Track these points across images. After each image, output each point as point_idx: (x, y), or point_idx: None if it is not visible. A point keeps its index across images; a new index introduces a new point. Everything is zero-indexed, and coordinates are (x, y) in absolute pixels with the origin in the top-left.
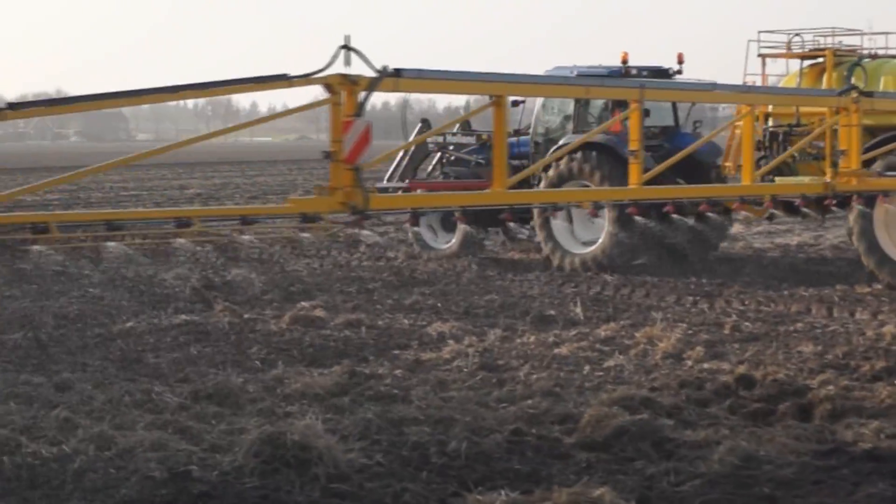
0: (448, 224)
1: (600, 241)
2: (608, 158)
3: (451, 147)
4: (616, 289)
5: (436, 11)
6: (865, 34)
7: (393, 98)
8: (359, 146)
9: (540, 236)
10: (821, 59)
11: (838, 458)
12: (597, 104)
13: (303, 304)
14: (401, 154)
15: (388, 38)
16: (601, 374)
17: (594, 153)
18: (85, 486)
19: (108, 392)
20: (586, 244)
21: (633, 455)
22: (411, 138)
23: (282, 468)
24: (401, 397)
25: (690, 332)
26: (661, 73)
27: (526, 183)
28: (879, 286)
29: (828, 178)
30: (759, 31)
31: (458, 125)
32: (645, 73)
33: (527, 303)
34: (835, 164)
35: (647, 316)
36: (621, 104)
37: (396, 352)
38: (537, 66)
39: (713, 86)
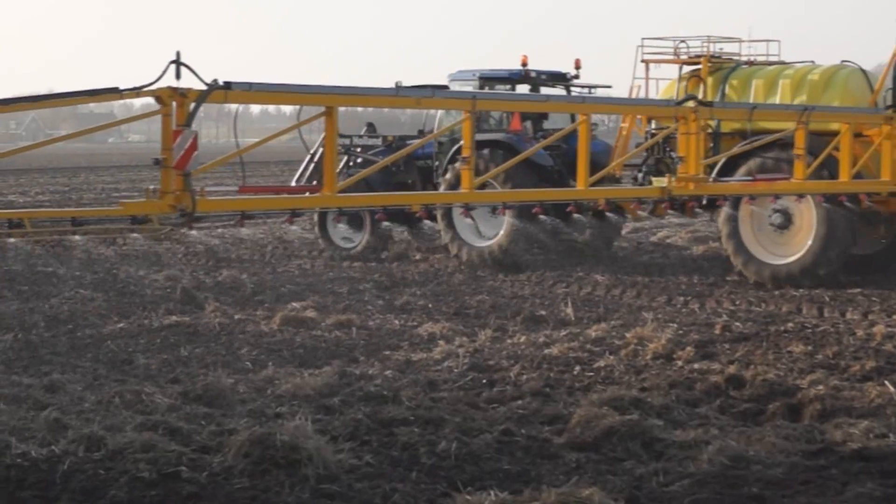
0: (356, 223)
1: (499, 235)
2: (508, 155)
3: (358, 149)
4: (607, 289)
5: (340, 30)
6: (744, 41)
7: None
8: (187, 154)
9: (441, 228)
10: (698, 66)
11: (827, 457)
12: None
13: (294, 304)
14: (308, 157)
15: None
16: (591, 374)
17: (494, 152)
18: (74, 488)
19: (99, 393)
20: (487, 238)
21: (623, 455)
22: (318, 143)
23: (271, 469)
24: (391, 398)
25: (681, 332)
26: (559, 76)
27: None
28: (870, 287)
29: (665, 184)
30: (643, 38)
31: (364, 128)
32: (544, 76)
33: (518, 303)
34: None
35: (638, 316)
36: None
37: (387, 352)
38: (450, 68)
39: (546, 97)
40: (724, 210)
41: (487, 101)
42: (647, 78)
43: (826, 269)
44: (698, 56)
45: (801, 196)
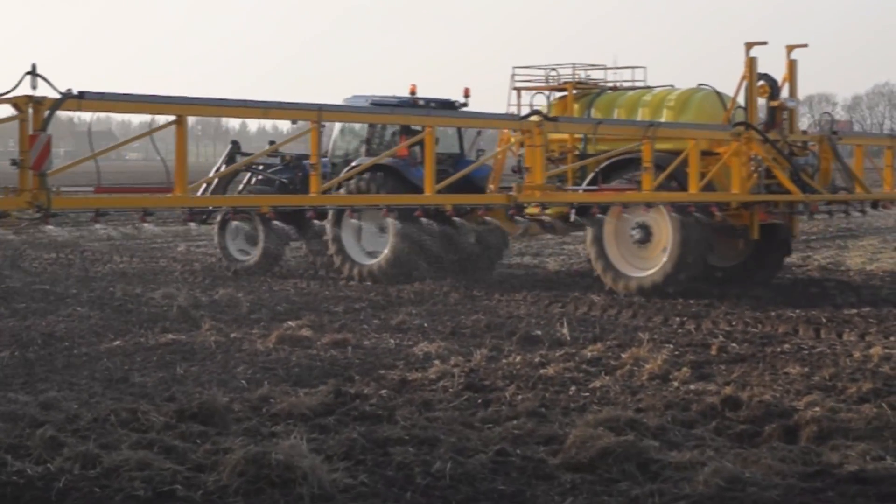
0: (251, 239)
1: (384, 253)
2: (393, 179)
3: (259, 167)
4: (603, 309)
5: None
6: (609, 68)
7: None
8: (42, 156)
9: (331, 246)
10: (565, 93)
11: (824, 480)
12: (387, 131)
13: (289, 323)
14: (212, 172)
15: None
16: (587, 394)
17: (380, 174)
18: None
19: (94, 411)
20: (372, 255)
21: (618, 476)
22: (222, 159)
23: (266, 488)
24: (386, 417)
25: (677, 352)
26: (448, 104)
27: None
28: (867, 308)
29: (514, 192)
30: (514, 67)
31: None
32: (433, 104)
33: (513, 323)
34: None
35: (634, 336)
36: (408, 131)
37: (382, 372)
38: (345, 93)
39: (390, 111)
40: (589, 233)
41: (333, 112)
42: (518, 105)
43: (685, 276)
44: (565, 83)
45: (649, 206)
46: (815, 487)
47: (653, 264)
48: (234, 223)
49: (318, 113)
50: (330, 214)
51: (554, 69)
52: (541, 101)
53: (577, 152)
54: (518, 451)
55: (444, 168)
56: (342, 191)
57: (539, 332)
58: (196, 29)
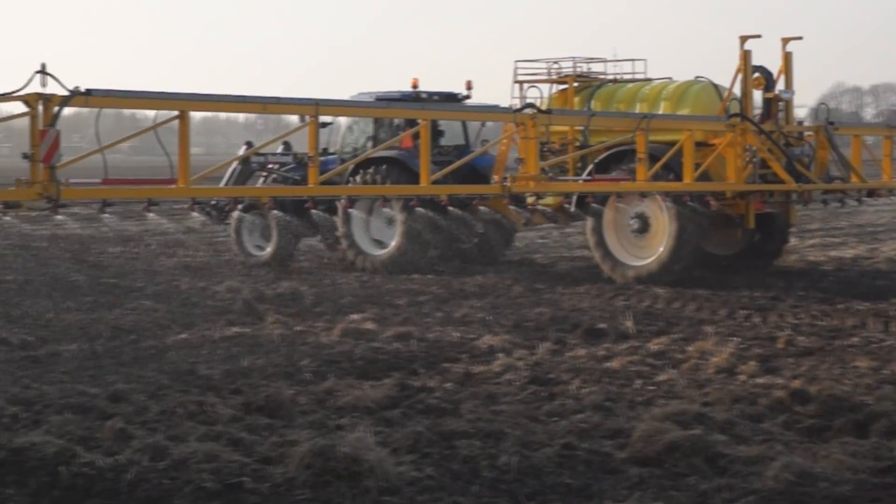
0: (266, 234)
1: (392, 244)
2: (398, 170)
3: (272, 166)
4: (667, 302)
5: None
6: (609, 61)
7: None
8: (52, 150)
9: (342, 240)
10: (565, 85)
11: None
12: (393, 125)
13: (353, 316)
14: (228, 172)
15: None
16: (653, 388)
17: (385, 166)
18: (139, 497)
19: (162, 403)
20: (382, 246)
21: (686, 471)
22: (237, 160)
23: (333, 481)
24: (451, 410)
25: (743, 346)
26: (450, 97)
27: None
28: None
29: (507, 182)
30: (516, 60)
31: (280, 146)
32: (436, 97)
33: (577, 316)
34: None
35: (699, 330)
36: (412, 124)
37: (446, 365)
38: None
39: (387, 104)
40: (589, 222)
41: (329, 107)
42: (521, 97)
43: (680, 265)
44: (566, 76)
45: (643, 196)
46: (886, 483)
47: (650, 253)
48: (249, 220)
49: (316, 108)
50: (340, 210)
51: (556, 62)
52: (535, 95)
53: (577, 143)
54: (584, 444)
55: (450, 159)
56: (349, 185)
57: (603, 325)
58: (199, 27)
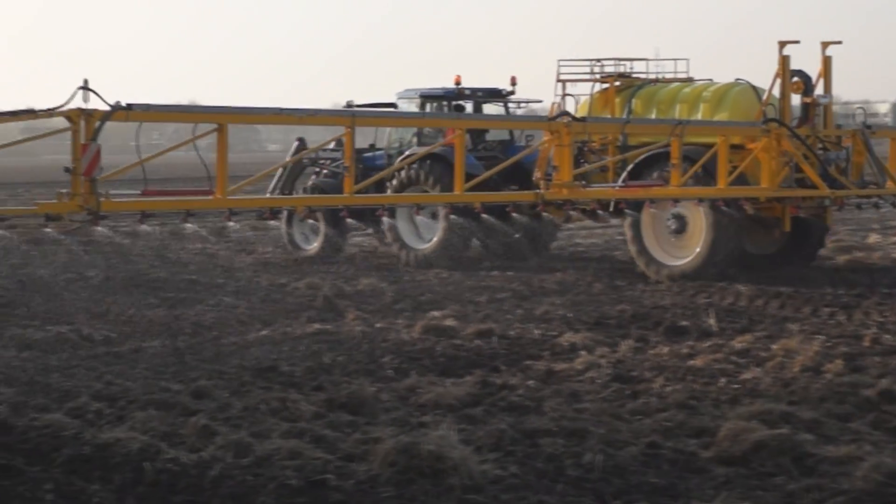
0: (314, 229)
1: (435, 238)
2: (441, 166)
3: (324, 162)
4: (750, 300)
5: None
6: (651, 60)
7: None
8: (93, 163)
9: (388, 235)
10: (607, 85)
11: None
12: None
13: (434, 313)
14: (280, 170)
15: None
16: (737, 386)
17: (429, 162)
18: (223, 493)
19: (245, 399)
20: (426, 241)
21: (773, 471)
22: (289, 156)
23: (417, 478)
24: (534, 408)
25: (829, 344)
26: (495, 93)
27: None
28: None
29: (541, 189)
30: (559, 60)
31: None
32: (480, 93)
33: (659, 313)
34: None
35: (783, 328)
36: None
37: (528, 362)
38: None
39: (422, 114)
40: (627, 219)
41: (365, 118)
42: (563, 95)
43: (716, 267)
44: (608, 75)
45: (676, 201)
46: None
47: (687, 254)
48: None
49: (352, 119)
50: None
51: (598, 62)
52: (578, 92)
53: (618, 143)
54: (669, 443)
55: (494, 154)
56: (394, 181)
57: (686, 323)
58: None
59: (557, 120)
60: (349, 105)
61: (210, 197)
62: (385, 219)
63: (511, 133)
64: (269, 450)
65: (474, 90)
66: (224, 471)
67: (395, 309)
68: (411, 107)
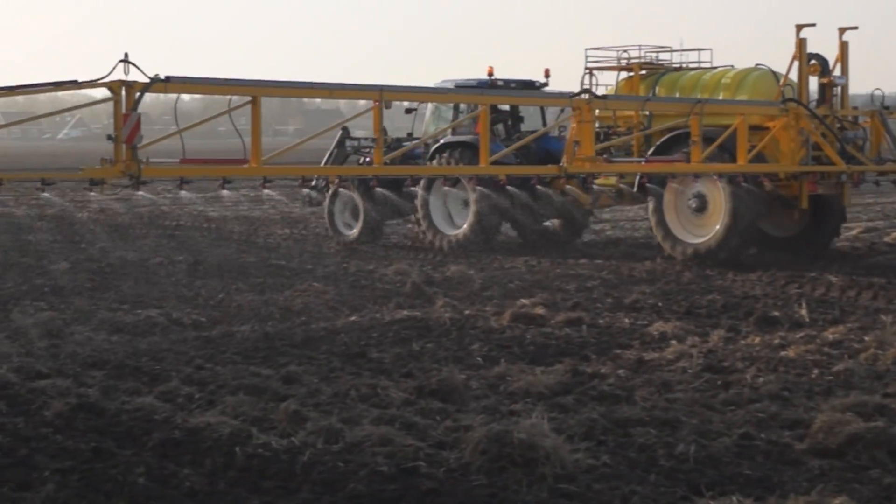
0: (355, 213)
1: (466, 224)
2: (471, 153)
3: (365, 149)
4: (841, 290)
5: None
6: (675, 51)
7: None
8: (133, 132)
9: (421, 220)
10: (632, 73)
11: None
12: (470, 111)
13: (523, 301)
14: (326, 156)
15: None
16: (830, 378)
17: (459, 150)
18: (315, 479)
19: (335, 386)
20: (458, 227)
21: (869, 464)
22: (333, 144)
23: (508, 467)
24: (625, 397)
25: None
26: (528, 84)
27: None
28: None
29: (564, 163)
30: (586, 49)
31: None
32: (513, 84)
33: (750, 303)
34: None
35: (876, 319)
36: (494, 111)
37: (618, 351)
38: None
39: (449, 90)
40: (651, 203)
41: (393, 92)
42: (591, 84)
43: (737, 240)
44: (633, 64)
45: (697, 177)
46: None
47: (708, 231)
48: (343, 198)
49: (380, 93)
50: (420, 195)
51: (624, 51)
52: (605, 82)
53: (642, 127)
54: (763, 434)
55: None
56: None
57: (777, 313)
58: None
59: (579, 97)
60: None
61: (245, 166)
62: (419, 195)
63: (545, 123)
64: (360, 436)
65: (507, 81)
66: (315, 457)
67: (483, 296)
68: None
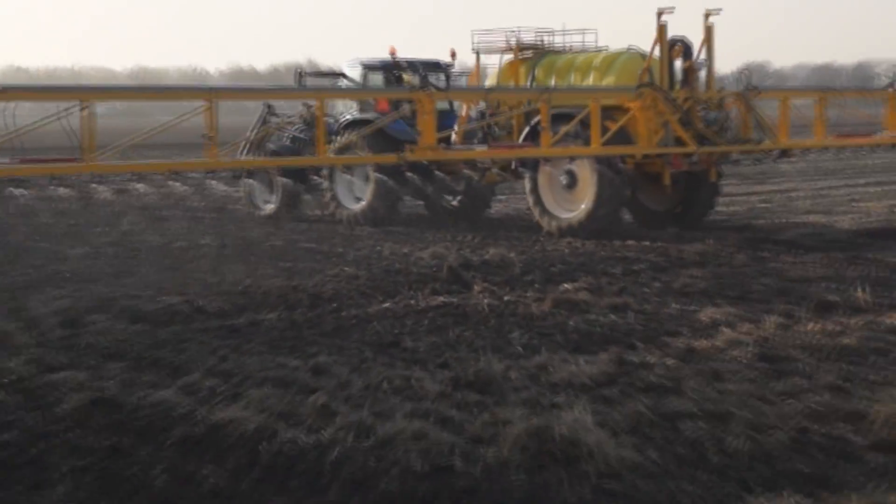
0: (271, 185)
1: (365, 199)
2: (374, 133)
3: (286, 126)
4: None
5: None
6: (559, 33)
7: None
8: None
9: (326, 195)
10: (513, 55)
11: None
12: (378, 88)
13: (565, 286)
14: (248, 131)
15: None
16: (893, 367)
17: (361, 127)
18: (344, 477)
19: (366, 377)
20: (360, 201)
21: None
22: (255, 120)
23: (549, 464)
24: (673, 389)
25: None
26: (434, 65)
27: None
28: None
29: (406, 152)
30: (472, 31)
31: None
32: (418, 64)
33: (805, 287)
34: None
35: None
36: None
37: (666, 339)
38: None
39: (282, 88)
40: (528, 183)
41: (225, 92)
42: (477, 65)
43: (604, 211)
44: (517, 46)
45: (546, 160)
46: None
47: (578, 206)
48: (259, 175)
49: (210, 94)
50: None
51: (511, 32)
52: (492, 63)
53: (525, 110)
54: (819, 428)
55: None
56: (336, 144)
57: (835, 298)
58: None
59: (420, 90)
60: (299, 73)
61: (203, 159)
62: (325, 183)
63: (451, 105)
64: (392, 431)
65: (411, 62)
66: (344, 453)
67: (524, 281)
68: (355, 75)
